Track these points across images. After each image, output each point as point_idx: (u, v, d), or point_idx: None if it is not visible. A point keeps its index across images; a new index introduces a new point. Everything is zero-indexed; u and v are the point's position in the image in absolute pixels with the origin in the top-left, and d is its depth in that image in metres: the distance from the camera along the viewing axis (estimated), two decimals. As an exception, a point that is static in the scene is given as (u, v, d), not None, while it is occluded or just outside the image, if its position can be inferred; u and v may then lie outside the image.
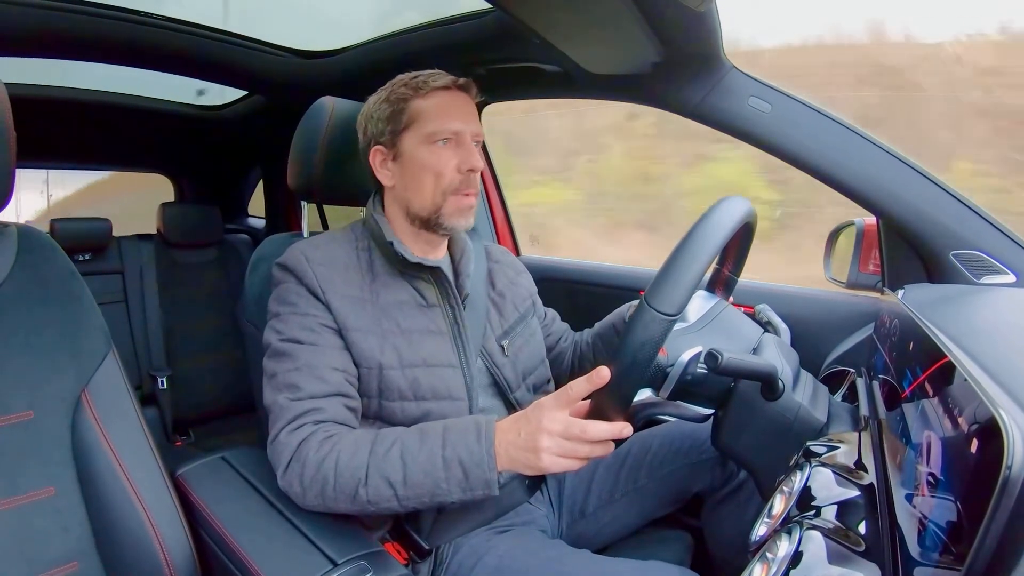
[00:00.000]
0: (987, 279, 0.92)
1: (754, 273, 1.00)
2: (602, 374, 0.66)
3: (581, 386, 0.68)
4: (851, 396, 0.89)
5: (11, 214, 0.83)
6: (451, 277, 0.93)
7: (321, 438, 0.76)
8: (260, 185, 2.42)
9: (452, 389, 0.87)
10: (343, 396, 0.81)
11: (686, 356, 0.75)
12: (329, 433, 0.77)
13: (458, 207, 0.88)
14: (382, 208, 0.94)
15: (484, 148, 1.67)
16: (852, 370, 0.97)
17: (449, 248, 0.99)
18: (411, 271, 0.89)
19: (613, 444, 0.70)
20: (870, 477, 0.59)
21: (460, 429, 0.74)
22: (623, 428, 0.69)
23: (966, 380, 0.41)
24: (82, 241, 1.86)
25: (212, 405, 2.06)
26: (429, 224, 0.89)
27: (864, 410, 0.76)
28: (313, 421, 0.78)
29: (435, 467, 0.72)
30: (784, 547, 0.51)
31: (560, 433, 0.69)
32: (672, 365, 0.76)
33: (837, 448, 0.66)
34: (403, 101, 0.88)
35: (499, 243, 1.66)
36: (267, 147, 2.14)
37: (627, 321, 0.76)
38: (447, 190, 0.87)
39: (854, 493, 0.56)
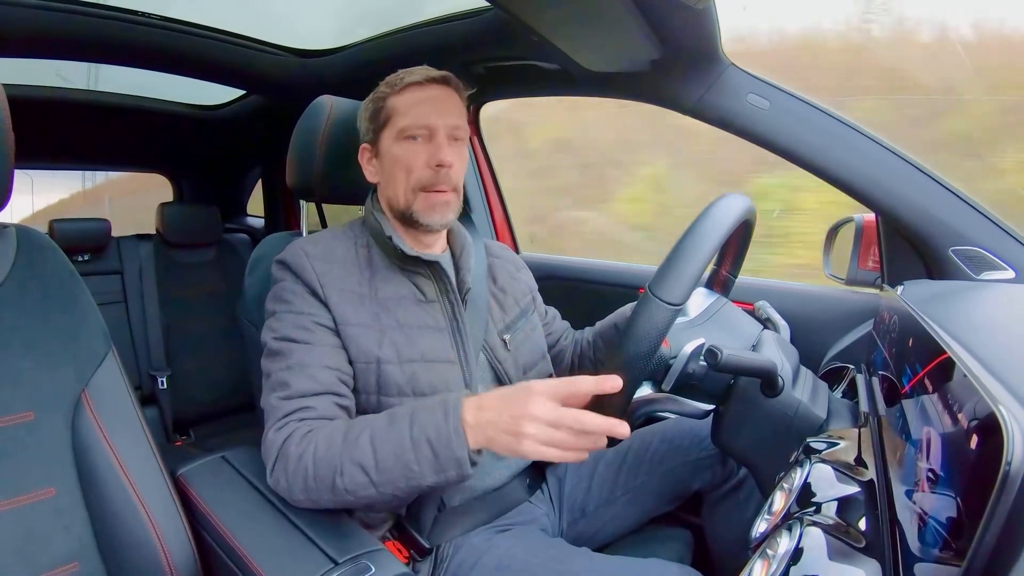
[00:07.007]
0: (986, 275, 0.92)
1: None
2: (614, 383, 0.63)
3: (588, 384, 0.65)
4: (851, 392, 0.89)
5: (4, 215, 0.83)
6: (451, 272, 0.93)
7: (303, 433, 0.76)
8: (259, 184, 2.42)
9: (451, 384, 0.86)
10: (334, 394, 0.81)
11: (689, 348, 0.75)
12: (310, 428, 0.76)
13: (428, 204, 0.88)
14: (379, 205, 0.94)
15: (482, 146, 1.67)
16: (852, 366, 0.97)
17: (449, 243, 0.99)
18: (410, 266, 0.89)
19: (606, 439, 0.65)
20: (870, 473, 0.59)
21: (428, 408, 0.72)
22: (619, 425, 0.64)
23: (965, 376, 0.41)
24: (81, 241, 1.86)
25: (212, 405, 2.06)
26: (407, 219, 0.90)
27: (864, 406, 0.76)
28: (298, 418, 0.77)
29: (404, 448, 0.70)
30: (784, 544, 0.51)
31: (549, 422, 0.64)
32: (675, 357, 0.76)
33: (837, 444, 0.66)
34: (382, 99, 0.89)
35: (498, 241, 1.66)
36: (266, 146, 2.14)
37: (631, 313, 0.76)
38: (416, 186, 0.87)
39: (854, 489, 0.56)
